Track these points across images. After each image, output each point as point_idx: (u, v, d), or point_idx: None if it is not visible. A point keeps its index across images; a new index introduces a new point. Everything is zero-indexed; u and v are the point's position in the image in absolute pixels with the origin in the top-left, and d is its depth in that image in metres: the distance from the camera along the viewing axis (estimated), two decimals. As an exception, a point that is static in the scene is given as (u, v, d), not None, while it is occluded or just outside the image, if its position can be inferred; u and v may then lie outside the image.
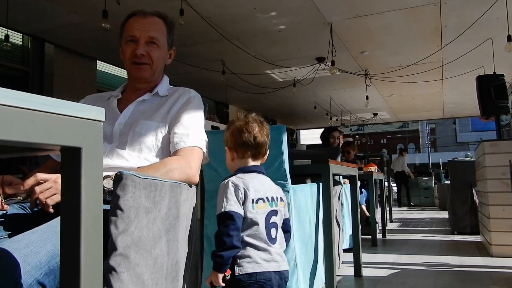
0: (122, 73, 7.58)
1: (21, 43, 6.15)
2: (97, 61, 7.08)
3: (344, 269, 3.56)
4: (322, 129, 5.57)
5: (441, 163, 24.89)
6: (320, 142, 5.49)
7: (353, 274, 3.30)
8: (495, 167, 4.07)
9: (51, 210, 1.06)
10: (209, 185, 2.26)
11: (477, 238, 5.18)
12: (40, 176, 1.10)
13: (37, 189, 1.07)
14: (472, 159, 6.14)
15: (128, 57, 1.47)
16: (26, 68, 6.15)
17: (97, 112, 0.68)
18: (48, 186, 1.08)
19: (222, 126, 6.00)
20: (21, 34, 6.06)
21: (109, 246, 0.92)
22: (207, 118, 5.51)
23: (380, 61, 7.55)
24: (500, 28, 5.68)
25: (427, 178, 12.20)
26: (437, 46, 6.68)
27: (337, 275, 3.23)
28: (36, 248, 0.89)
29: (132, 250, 0.95)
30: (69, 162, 0.66)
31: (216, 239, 1.33)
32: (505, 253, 3.90)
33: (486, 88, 5.92)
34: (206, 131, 1.51)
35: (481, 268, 3.56)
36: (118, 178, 0.96)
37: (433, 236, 5.63)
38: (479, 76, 6.26)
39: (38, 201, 1.06)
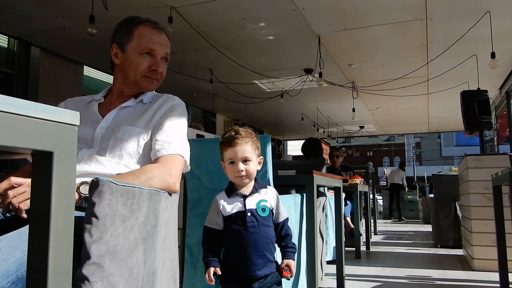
0: (109, 78, 7.52)
1: (6, 45, 6.07)
2: (84, 66, 7.02)
3: (327, 281, 3.54)
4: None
5: (425, 177, 25.13)
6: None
7: (335, 286, 3.28)
8: (478, 181, 4.11)
9: (24, 215, 1.03)
10: (192, 194, 2.23)
11: (459, 251, 5.22)
12: (14, 180, 1.06)
13: (10, 193, 1.03)
14: (456, 173, 6.20)
15: (142, 70, 1.48)
16: (11, 71, 6.06)
17: (71, 116, 0.66)
18: (22, 190, 1.04)
19: (207, 135, 5.96)
20: (7, 37, 5.98)
21: (82, 254, 0.89)
22: (191, 126, 5.46)
23: (367, 74, 7.63)
24: (484, 45, 5.79)
25: (411, 191, 12.28)
26: (423, 60, 6.78)
27: (320, 287, 3.21)
28: (4, 256, 0.85)
29: (107, 259, 0.92)
30: (40, 167, 0.63)
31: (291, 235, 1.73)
32: (487, 267, 3.93)
33: (470, 104, 6.02)
34: (190, 140, 1.49)
35: (463, 282, 3.57)
36: (94, 185, 0.94)
37: (416, 249, 5.65)
38: (464, 92, 6.36)
39: (11, 206, 1.03)
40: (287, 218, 1.73)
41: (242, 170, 1.63)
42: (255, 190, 1.68)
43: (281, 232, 1.70)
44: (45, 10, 5.03)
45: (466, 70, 7.04)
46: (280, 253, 1.73)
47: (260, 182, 1.73)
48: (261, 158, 1.72)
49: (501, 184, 2.73)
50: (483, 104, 5.99)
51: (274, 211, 1.70)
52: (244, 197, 1.65)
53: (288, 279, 1.66)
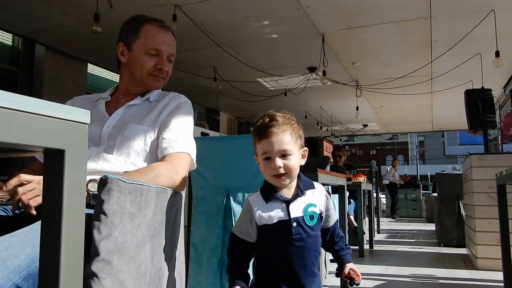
0: (113, 76, 7.54)
1: (11, 43, 6.09)
2: (88, 64, 7.03)
3: (330, 279, 3.54)
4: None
5: (429, 176, 25.09)
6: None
7: (339, 285, 3.29)
8: (482, 180, 4.10)
9: (34, 212, 1.04)
10: (197, 191, 2.25)
11: (463, 250, 5.21)
12: (24, 177, 1.08)
13: (20, 190, 1.04)
14: (459, 172, 6.19)
15: (148, 68, 1.49)
16: (15, 69, 6.09)
17: (82, 114, 0.67)
18: (32, 187, 1.06)
19: (212, 133, 5.98)
20: (11, 35, 6.00)
21: (91, 251, 0.90)
22: (196, 124, 5.48)
23: (370, 72, 7.61)
24: (488, 44, 5.77)
25: (415, 190, 12.30)
26: (427, 59, 6.76)
27: (323, 286, 3.22)
28: (16, 252, 0.87)
29: (115, 256, 0.93)
30: (51, 164, 0.64)
31: (343, 236, 1.42)
32: (490, 267, 3.92)
33: (474, 102, 6.00)
34: (195, 138, 1.50)
35: (467, 281, 3.57)
36: (103, 182, 0.95)
37: (419, 248, 5.65)
38: (468, 90, 6.33)
39: (20, 203, 1.04)
40: (337, 220, 1.44)
41: (280, 167, 1.25)
42: (299, 192, 1.30)
43: (334, 237, 1.40)
44: (49, 8, 5.05)
45: (470, 69, 7.01)
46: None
47: (305, 180, 1.35)
48: (306, 150, 1.35)
49: (506, 183, 2.73)
50: (487, 103, 5.96)
51: (323, 214, 1.34)
52: (287, 202, 1.28)
53: (358, 284, 1.37)
